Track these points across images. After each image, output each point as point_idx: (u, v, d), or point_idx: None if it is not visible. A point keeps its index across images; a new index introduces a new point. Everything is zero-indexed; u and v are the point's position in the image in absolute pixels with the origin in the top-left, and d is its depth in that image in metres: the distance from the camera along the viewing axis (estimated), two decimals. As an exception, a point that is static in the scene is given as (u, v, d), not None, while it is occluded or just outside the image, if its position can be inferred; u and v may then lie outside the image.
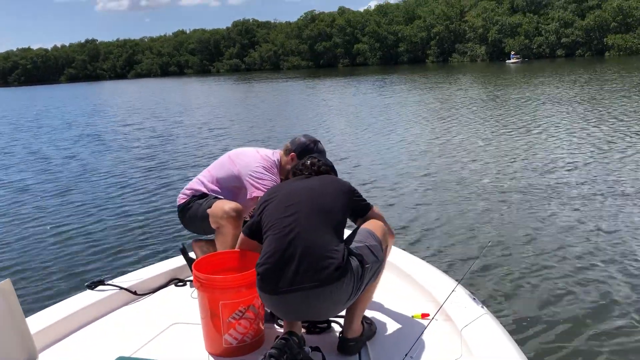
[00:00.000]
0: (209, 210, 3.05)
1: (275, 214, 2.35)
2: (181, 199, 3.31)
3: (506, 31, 77.92)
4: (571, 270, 5.04)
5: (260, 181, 3.09)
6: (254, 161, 3.18)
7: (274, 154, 3.28)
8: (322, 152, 3.22)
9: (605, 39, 68.83)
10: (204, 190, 3.23)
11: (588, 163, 9.21)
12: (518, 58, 66.91)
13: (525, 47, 74.44)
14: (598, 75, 30.74)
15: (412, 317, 2.65)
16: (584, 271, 5.00)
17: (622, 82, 25.00)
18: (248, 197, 3.12)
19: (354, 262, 2.22)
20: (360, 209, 2.52)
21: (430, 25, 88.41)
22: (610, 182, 7.91)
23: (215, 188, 3.21)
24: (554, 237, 5.89)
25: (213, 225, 3.05)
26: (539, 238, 5.90)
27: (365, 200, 2.56)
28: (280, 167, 3.26)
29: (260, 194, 3.03)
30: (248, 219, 3.23)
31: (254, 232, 2.45)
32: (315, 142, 3.25)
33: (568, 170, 8.85)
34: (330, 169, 2.67)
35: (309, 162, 2.66)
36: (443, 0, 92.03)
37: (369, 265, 2.27)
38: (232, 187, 3.20)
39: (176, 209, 3.37)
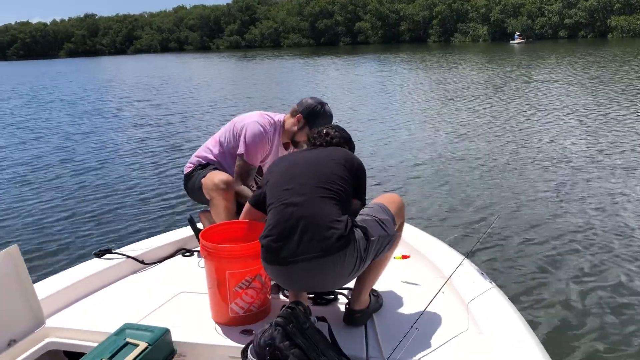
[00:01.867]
0: (202, 180, 3.07)
1: (278, 186, 2.33)
2: (187, 168, 3.32)
3: (509, 11, 77.14)
4: (582, 244, 5.05)
5: (249, 138, 3.08)
6: (250, 117, 3.17)
7: (277, 116, 3.25)
8: (329, 115, 3.21)
9: (608, 21, 68.20)
10: (210, 156, 3.23)
11: (597, 137, 9.25)
12: (522, 38, 66.34)
13: (528, 27, 73.79)
14: (611, 57, 30.49)
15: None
16: (596, 246, 5.01)
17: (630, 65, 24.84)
18: (238, 152, 3.12)
19: (358, 233, 2.19)
20: (360, 190, 2.43)
21: (433, 4, 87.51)
22: (625, 157, 7.95)
23: (219, 151, 3.22)
24: (564, 211, 5.93)
25: (207, 197, 3.07)
26: (548, 212, 5.93)
27: (365, 194, 2.47)
28: (283, 128, 3.23)
29: (243, 150, 3.06)
30: (254, 185, 3.23)
31: (259, 203, 2.44)
32: (323, 104, 3.21)
33: (577, 144, 8.91)
34: (346, 142, 2.61)
35: (324, 131, 2.62)
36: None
37: (374, 239, 2.23)
38: (232, 148, 3.18)
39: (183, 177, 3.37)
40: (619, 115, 11.72)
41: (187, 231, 3.39)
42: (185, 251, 3.25)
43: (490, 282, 2.59)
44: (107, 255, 3.03)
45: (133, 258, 3.02)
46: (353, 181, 2.37)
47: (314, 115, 3.16)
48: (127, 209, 6.80)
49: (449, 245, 3.17)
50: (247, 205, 2.56)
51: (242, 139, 3.11)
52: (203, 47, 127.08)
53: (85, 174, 8.86)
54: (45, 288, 2.63)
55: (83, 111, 17.82)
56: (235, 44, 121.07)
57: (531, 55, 37.25)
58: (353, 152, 2.64)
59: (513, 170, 7.63)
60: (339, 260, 2.14)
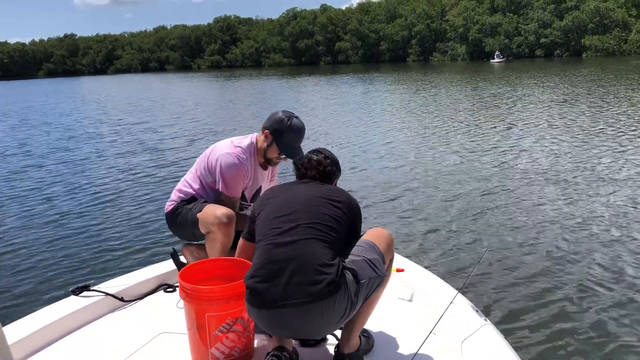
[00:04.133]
0: (199, 215, 2.95)
1: (268, 222, 2.25)
2: (169, 205, 3.22)
3: (486, 31, 78.44)
4: (574, 275, 4.96)
5: (225, 173, 3.00)
6: (221, 148, 3.07)
7: (247, 138, 3.14)
8: (296, 129, 3.05)
9: (582, 40, 69.70)
10: (191, 192, 3.13)
11: (584, 163, 9.26)
12: (502, 57, 67.42)
13: (505, 46, 75.08)
14: (587, 75, 31.09)
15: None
16: (589, 276, 4.92)
17: (608, 82, 25.35)
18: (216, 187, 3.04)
19: (348, 276, 2.11)
20: (354, 234, 2.36)
21: (412, 24, 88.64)
22: (613, 184, 7.93)
23: (200, 185, 3.11)
24: (553, 239, 5.86)
25: (203, 230, 2.95)
26: (537, 242, 5.85)
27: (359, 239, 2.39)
28: (256, 148, 3.12)
29: (223, 188, 2.99)
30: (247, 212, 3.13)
31: (253, 237, 2.34)
32: (290, 117, 3.06)
33: (563, 171, 8.90)
34: (335, 166, 2.54)
35: (315, 159, 2.50)
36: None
37: (364, 281, 2.14)
38: (211, 182, 3.08)
39: (165, 216, 3.28)
40: (614, 136, 11.90)
41: (168, 265, 3.31)
42: (167, 287, 3.18)
43: (484, 319, 2.53)
44: (85, 293, 2.94)
45: (112, 295, 2.94)
46: (349, 225, 2.28)
47: (280, 130, 3.03)
48: (106, 243, 6.53)
49: (441, 278, 3.11)
50: (241, 241, 2.48)
51: (218, 174, 3.02)
52: (184, 67, 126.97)
53: (61, 204, 8.50)
54: (17, 330, 2.53)
55: (57, 139, 17.05)
56: (217, 63, 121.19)
57: (515, 73, 37.77)
58: (339, 173, 2.59)
59: (501, 198, 7.56)
60: (328, 306, 2.06)
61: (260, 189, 3.23)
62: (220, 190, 3.03)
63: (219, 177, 3.00)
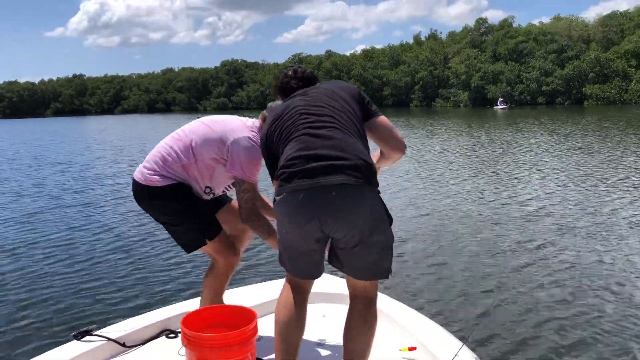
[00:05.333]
0: (212, 244, 2.84)
1: (294, 121, 2.26)
2: (157, 180, 2.79)
3: (488, 78, 79.70)
4: (583, 327, 4.89)
5: (245, 159, 2.73)
6: (239, 129, 2.81)
7: (254, 122, 2.92)
8: None
9: (583, 89, 70.70)
10: (183, 176, 2.80)
11: (599, 214, 9.23)
12: (505, 104, 68.25)
13: (507, 94, 76.11)
14: (595, 123, 31.37)
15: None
16: (598, 329, 4.85)
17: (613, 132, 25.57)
18: (226, 169, 2.77)
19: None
20: (369, 109, 2.42)
21: (415, 70, 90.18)
22: (631, 234, 7.90)
23: (191, 162, 2.79)
24: (564, 296, 5.72)
25: (206, 253, 2.92)
26: (546, 291, 5.78)
27: (374, 105, 2.47)
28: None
29: (249, 175, 2.73)
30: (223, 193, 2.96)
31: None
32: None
33: (577, 220, 8.85)
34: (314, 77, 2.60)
35: (290, 71, 2.56)
36: (427, 46, 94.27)
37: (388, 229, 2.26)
38: (207, 159, 2.79)
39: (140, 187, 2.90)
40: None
41: (171, 310, 3.32)
42: (170, 332, 3.17)
43: None
44: (87, 338, 2.95)
45: (114, 340, 2.95)
46: (361, 108, 2.37)
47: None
48: (109, 286, 6.48)
49: (445, 328, 3.09)
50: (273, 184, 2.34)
51: (236, 160, 2.74)
52: (190, 108, 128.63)
53: (62, 245, 8.43)
54: None
55: (58, 180, 17.10)
56: (223, 105, 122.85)
57: (521, 120, 38.05)
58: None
59: (510, 247, 7.48)
60: (374, 196, 2.17)
61: None
62: (241, 177, 2.75)
63: (240, 163, 2.74)
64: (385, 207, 2.26)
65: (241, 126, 2.83)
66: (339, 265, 2.31)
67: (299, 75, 2.52)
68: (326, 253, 2.35)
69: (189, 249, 2.93)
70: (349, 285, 2.36)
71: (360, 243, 2.18)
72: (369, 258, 2.23)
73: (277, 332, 2.34)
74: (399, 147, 2.48)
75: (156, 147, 2.93)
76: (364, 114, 2.38)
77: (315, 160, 2.12)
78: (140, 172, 2.87)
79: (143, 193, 2.85)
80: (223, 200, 3.10)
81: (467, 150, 20.41)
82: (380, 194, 2.26)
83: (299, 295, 2.36)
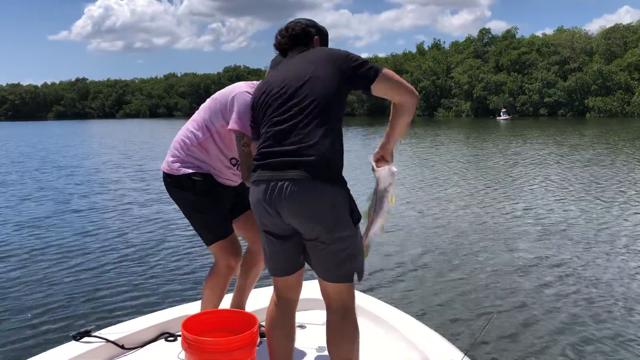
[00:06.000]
0: (212, 248, 2.88)
1: (268, 106, 2.28)
2: (181, 168, 2.84)
3: (491, 88, 79.91)
4: (584, 338, 4.89)
5: (242, 110, 2.67)
6: (239, 87, 2.83)
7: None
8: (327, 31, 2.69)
9: (586, 101, 70.86)
10: (200, 159, 2.83)
11: (603, 226, 9.19)
12: (508, 115, 68.32)
13: (510, 104, 76.28)
14: (601, 136, 31.40)
15: None
16: (598, 338, 4.87)
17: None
18: (228, 127, 2.73)
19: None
20: (362, 76, 2.26)
21: (417, 79, 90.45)
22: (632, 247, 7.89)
23: (207, 136, 2.82)
24: (562, 303, 5.77)
25: (214, 255, 2.91)
26: (546, 304, 5.76)
27: (368, 63, 2.27)
28: None
29: (238, 126, 2.66)
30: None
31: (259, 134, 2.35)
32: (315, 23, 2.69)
33: (579, 232, 8.82)
34: (313, 28, 2.44)
35: (283, 29, 2.43)
36: (430, 56, 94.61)
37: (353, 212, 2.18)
38: (219, 127, 2.79)
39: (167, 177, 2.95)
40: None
41: (171, 313, 3.28)
42: (169, 335, 3.14)
43: None
44: (86, 338, 2.90)
45: (113, 342, 2.91)
46: (342, 76, 2.24)
47: (326, 35, 2.64)
48: (109, 288, 6.44)
49: (447, 339, 3.05)
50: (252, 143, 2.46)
51: (236, 112, 2.70)
52: (192, 114, 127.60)
53: (62, 246, 8.40)
54: None
55: (61, 181, 17.08)
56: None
57: (526, 131, 38.13)
58: (326, 38, 2.51)
59: (510, 257, 7.48)
60: (334, 192, 2.13)
61: None
62: (239, 129, 2.67)
63: (238, 115, 2.69)
64: (351, 205, 2.20)
65: (243, 84, 2.85)
66: (309, 261, 2.31)
67: (290, 33, 2.41)
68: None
69: (206, 243, 2.96)
70: (323, 295, 2.32)
71: (319, 239, 2.16)
72: (333, 258, 2.19)
73: (268, 344, 2.39)
74: (408, 95, 2.42)
75: (177, 134, 2.97)
76: (358, 83, 2.30)
77: (276, 155, 2.17)
78: (165, 162, 2.92)
79: (167, 182, 2.91)
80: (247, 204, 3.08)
81: (476, 160, 20.40)
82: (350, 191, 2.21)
83: (286, 307, 2.38)
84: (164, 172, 2.93)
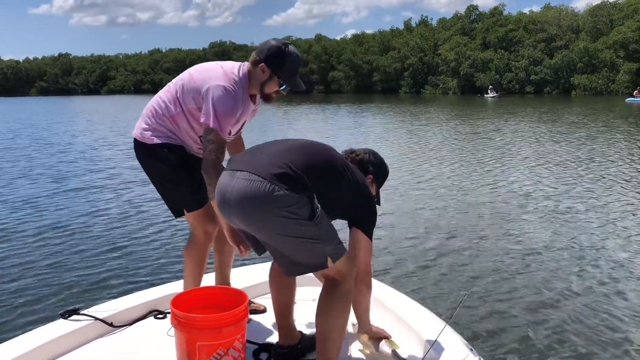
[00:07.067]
0: (190, 216, 2.92)
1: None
2: (150, 136, 2.85)
3: (478, 66, 79.71)
4: (563, 303, 5.11)
5: (219, 107, 2.64)
6: (216, 77, 2.72)
7: (241, 68, 2.81)
8: (295, 55, 2.75)
9: (572, 79, 71.02)
10: (170, 129, 2.84)
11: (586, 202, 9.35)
12: (496, 92, 68.26)
13: (496, 82, 76.26)
14: (590, 114, 31.59)
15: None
16: (576, 304, 5.08)
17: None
18: (201, 120, 2.70)
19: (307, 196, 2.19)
20: (356, 218, 2.50)
21: (405, 56, 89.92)
22: (614, 224, 7.98)
23: (178, 111, 2.81)
24: (543, 269, 6.01)
25: (190, 224, 2.96)
26: (526, 271, 5.99)
27: (369, 219, 2.50)
28: (250, 81, 2.80)
29: (215, 124, 2.63)
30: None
31: None
32: (285, 44, 2.72)
33: (552, 202, 8.99)
34: (370, 164, 2.67)
35: (353, 154, 2.67)
36: (418, 33, 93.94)
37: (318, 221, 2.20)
38: (192, 109, 2.78)
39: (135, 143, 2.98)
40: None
41: (160, 291, 3.30)
42: (158, 313, 3.15)
43: (472, 350, 2.53)
44: (74, 317, 2.92)
45: (101, 320, 2.92)
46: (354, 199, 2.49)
47: (279, 59, 2.68)
48: (97, 265, 6.45)
49: (429, 309, 3.11)
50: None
51: (209, 108, 2.65)
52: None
53: (50, 225, 8.35)
54: (3, 353, 2.50)
55: (47, 158, 16.90)
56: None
57: (514, 108, 38.24)
58: (383, 178, 2.75)
59: (492, 232, 7.63)
60: (276, 190, 2.14)
61: (244, 124, 3.02)
62: (211, 126, 2.65)
63: (210, 111, 2.65)
64: (297, 213, 2.17)
65: (220, 75, 2.75)
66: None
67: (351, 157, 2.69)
68: None
69: (175, 214, 3.03)
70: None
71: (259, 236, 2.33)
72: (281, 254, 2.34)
73: (271, 295, 2.64)
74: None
75: (150, 101, 2.95)
76: None
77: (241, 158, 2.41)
78: (137, 128, 2.93)
79: (139, 150, 2.93)
80: None
81: (468, 138, 20.44)
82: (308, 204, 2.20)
83: None
84: (135, 139, 2.94)
